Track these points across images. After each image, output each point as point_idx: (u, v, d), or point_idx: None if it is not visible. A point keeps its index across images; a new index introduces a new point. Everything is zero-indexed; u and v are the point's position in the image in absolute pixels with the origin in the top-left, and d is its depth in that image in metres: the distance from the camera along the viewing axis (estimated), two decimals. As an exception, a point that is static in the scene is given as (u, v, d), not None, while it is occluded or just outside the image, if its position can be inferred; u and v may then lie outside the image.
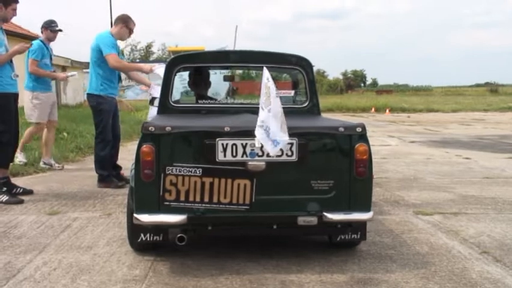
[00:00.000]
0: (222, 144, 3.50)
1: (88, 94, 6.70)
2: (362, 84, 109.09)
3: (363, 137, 3.74)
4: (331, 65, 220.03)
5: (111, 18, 35.70)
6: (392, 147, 12.05)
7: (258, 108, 3.37)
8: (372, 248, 4.17)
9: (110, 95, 6.71)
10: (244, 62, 5.41)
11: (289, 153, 3.51)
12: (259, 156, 3.50)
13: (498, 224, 4.92)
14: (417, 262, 3.82)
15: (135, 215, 3.54)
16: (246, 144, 3.49)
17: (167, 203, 3.50)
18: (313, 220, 3.57)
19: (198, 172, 3.48)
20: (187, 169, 3.48)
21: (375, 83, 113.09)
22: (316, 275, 3.56)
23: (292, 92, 5.41)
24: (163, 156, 3.49)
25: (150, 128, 3.50)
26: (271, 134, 3.23)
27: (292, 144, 3.49)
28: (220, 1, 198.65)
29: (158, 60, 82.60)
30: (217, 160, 3.50)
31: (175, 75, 4.87)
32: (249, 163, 3.50)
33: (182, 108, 4.91)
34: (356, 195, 3.70)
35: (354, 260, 3.87)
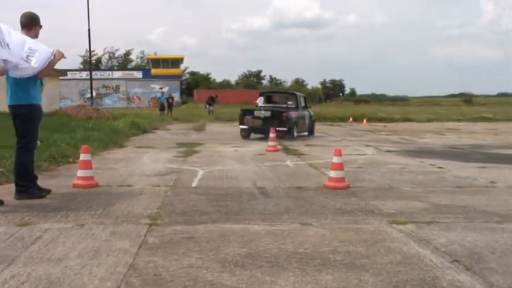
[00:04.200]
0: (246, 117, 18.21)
1: (24, 105, 6.44)
2: (340, 94, 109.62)
3: None
4: (310, 74, 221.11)
5: (89, 24, 35.48)
6: (369, 156, 12.13)
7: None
8: (346, 257, 4.18)
9: (39, 103, 6.63)
10: None
11: None
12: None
13: (469, 233, 4.98)
14: (390, 271, 3.84)
15: (240, 126, 18.33)
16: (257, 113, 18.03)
17: (243, 124, 18.20)
18: None
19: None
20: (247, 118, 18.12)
21: (353, 93, 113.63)
22: (290, 285, 3.56)
23: None
24: (243, 115, 18.22)
25: (242, 108, 18.90)
26: None
27: None
28: (200, 10, 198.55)
29: (136, 68, 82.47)
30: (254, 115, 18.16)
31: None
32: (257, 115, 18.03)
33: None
34: None
35: (328, 270, 3.88)
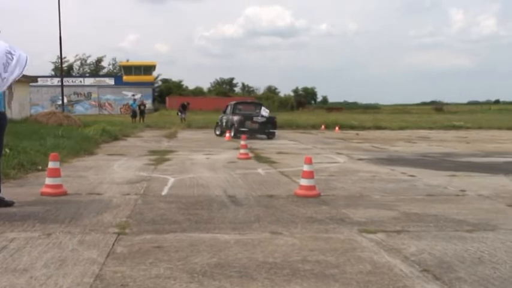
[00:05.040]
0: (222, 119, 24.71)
1: None
2: (313, 102, 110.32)
3: None
4: (282, 82, 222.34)
5: (60, 31, 35.05)
6: (340, 164, 12.17)
7: None
8: (315, 267, 4.16)
9: (3, 110, 6.56)
10: None
11: None
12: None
13: (439, 242, 5.00)
14: (359, 281, 3.83)
15: (240, 129, 21.70)
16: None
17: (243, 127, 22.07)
18: None
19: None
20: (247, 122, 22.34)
21: (325, 101, 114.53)
22: (259, 295, 3.52)
23: None
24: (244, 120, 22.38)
25: (243, 115, 22.93)
26: None
27: None
28: (172, 17, 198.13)
29: (108, 75, 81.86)
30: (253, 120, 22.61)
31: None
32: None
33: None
34: None
35: (297, 280, 3.85)
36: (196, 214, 6.16)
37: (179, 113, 40.36)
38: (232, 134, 22.59)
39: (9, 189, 7.36)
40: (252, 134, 21.85)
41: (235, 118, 22.92)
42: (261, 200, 7.22)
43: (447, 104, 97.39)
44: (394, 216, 6.23)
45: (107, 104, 73.04)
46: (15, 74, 6.03)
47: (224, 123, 24.27)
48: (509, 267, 4.22)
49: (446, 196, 7.76)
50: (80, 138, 16.73)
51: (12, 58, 6.00)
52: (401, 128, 34.31)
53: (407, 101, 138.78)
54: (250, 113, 23.65)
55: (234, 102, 25.58)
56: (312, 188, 7.59)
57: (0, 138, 6.48)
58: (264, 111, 22.94)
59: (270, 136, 22.71)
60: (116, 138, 20.76)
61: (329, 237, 5.14)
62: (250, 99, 35.17)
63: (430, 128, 34.89)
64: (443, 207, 6.84)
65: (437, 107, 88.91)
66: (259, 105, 25.02)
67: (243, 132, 20.55)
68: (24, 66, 6.11)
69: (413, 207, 6.76)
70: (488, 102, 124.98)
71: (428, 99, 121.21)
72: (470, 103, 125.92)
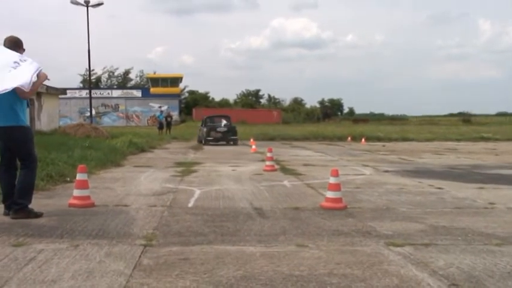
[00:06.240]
0: (211, 132, 28.65)
1: (16, 127, 6.43)
2: (339, 113, 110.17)
3: None
4: (308, 94, 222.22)
5: (89, 44, 35.65)
6: (367, 176, 12.08)
7: None
8: (342, 280, 4.13)
9: (28, 124, 6.70)
10: None
11: None
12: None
13: (467, 256, 4.92)
14: (386, 295, 3.79)
15: (207, 138, 27.74)
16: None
17: (209, 136, 27.99)
18: None
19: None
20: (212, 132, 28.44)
21: (351, 112, 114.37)
22: (285, 309, 3.50)
23: None
24: (209, 130, 28.15)
25: (209, 126, 28.67)
26: None
27: None
28: (198, 29, 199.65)
29: (136, 87, 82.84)
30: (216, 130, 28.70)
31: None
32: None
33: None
34: None
35: (323, 293, 3.82)
36: (222, 226, 6.17)
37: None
38: (203, 142, 28.05)
39: (38, 201, 7.47)
40: (217, 141, 27.61)
41: (204, 129, 28.64)
42: (286, 212, 7.20)
43: (475, 115, 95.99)
44: (421, 229, 6.15)
45: (134, 115, 73.99)
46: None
47: (200, 134, 29.83)
48: (541, 283, 4.13)
49: (474, 209, 7.64)
50: (107, 149, 16.93)
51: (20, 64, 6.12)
52: (428, 140, 34.02)
53: (434, 112, 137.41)
54: (215, 124, 29.32)
55: (206, 116, 31.05)
56: (338, 200, 7.55)
57: (28, 149, 6.60)
58: (224, 122, 29.07)
59: (232, 142, 27.88)
60: (142, 150, 20.97)
61: (355, 250, 5.09)
62: (220, 113, 40.74)
63: (458, 140, 34.54)
64: (471, 220, 6.73)
65: (465, 118, 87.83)
66: (226, 117, 30.29)
67: (210, 141, 27.47)
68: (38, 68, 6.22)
69: (441, 220, 6.67)
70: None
71: (456, 111, 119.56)
72: (499, 114, 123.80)
